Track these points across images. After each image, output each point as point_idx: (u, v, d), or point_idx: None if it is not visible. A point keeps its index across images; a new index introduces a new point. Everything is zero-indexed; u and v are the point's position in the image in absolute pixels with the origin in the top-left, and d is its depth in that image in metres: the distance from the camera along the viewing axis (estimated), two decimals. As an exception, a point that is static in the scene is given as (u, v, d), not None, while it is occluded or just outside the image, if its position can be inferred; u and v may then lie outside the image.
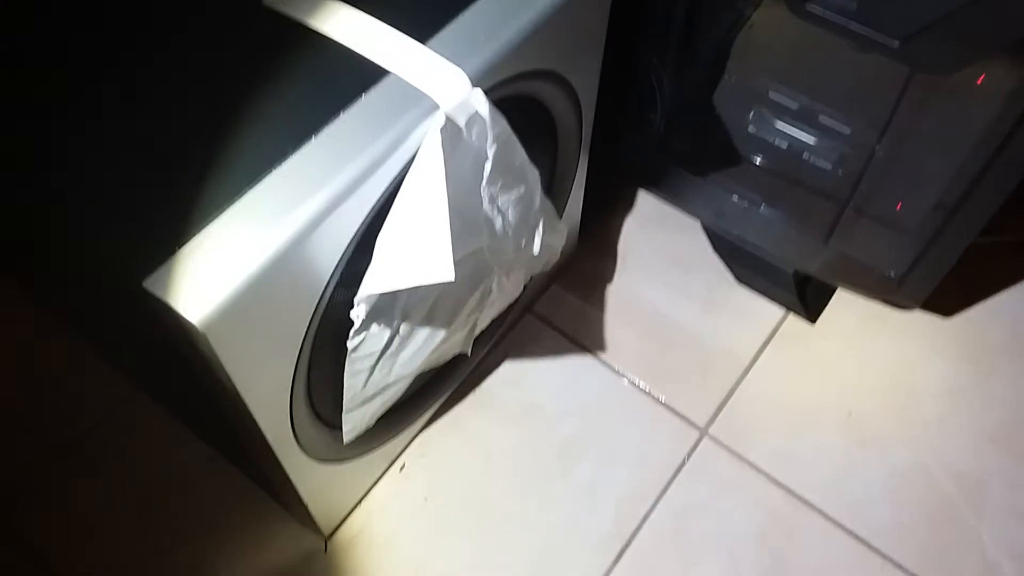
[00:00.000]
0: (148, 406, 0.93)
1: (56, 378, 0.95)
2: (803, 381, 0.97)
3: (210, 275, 0.51)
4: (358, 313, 0.61)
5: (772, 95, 0.88)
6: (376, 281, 0.59)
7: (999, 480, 0.90)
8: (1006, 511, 0.88)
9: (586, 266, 1.05)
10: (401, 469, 0.90)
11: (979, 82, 0.73)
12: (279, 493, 0.81)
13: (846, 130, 0.86)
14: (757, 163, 0.93)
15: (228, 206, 0.53)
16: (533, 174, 0.71)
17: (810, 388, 0.96)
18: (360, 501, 0.88)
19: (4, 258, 0.94)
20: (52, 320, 0.98)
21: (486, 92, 0.60)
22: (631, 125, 0.97)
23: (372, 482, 0.88)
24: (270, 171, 0.54)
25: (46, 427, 0.92)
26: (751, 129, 0.91)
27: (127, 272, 0.52)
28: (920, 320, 1.01)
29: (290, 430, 0.66)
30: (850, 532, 0.87)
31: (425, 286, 0.64)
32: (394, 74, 0.59)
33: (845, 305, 1.02)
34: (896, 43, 0.69)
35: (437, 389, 0.89)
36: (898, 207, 0.87)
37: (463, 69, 0.59)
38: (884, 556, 0.86)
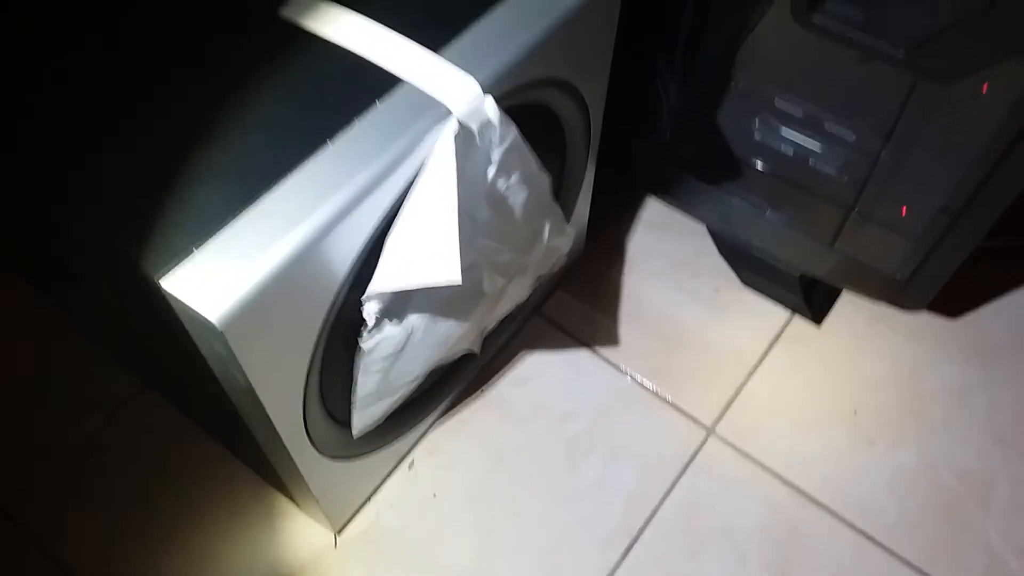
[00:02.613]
0: (159, 405, 0.95)
1: (67, 376, 0.97)
2: (809, 381, 0.98)
3: (227, 275, 0.52)
4: (369, 311, 0.62)
5: (778, 103, 0.89)
6: (384, 280, 0.60)
7: (1005, 478, 0.91)
8: (1012, 508, 0.89)
9: (593, 269, 1.06)
10: (410, 466, 0.91)
11: (983, 90, 0.73)
12: (290, 489, 0.83)
13: (851, 137, 0.86)
14: (763, 169, 0.94)
15: (245, 209, 0.55)
16: (543, 180, 0.72)
17: (816, 388, 0.97)
18: (370, 497, 0.89)
19: (17, 259, 0.96)
20: (64, 319, 1.00)
21: (497, 100, 0.62)
22: (638, 132, 0.98)
23: (382, 479, 0.90)
24: (287, 176, 0.56)
25: (57, 424, 0.94)
26: (757, 136, 0.92)
27: (144, 272, 0.53)
28: (926, 322, 1.02)
29: (303, 427, 0.68)
30: (856, 528, 0.88)
31: (435, 288, 0.66)
32: (408, 82, 0.60)
33: (851, 307, 1.03)
34: (901, 53, 0.70)
35: (445, 388, 0.90)
36: (903, 212, 0.88)
37: (475, 77, 0.61)
38: (890, 552, 0.87)
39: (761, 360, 0.99)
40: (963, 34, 0.66)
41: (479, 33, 0.63)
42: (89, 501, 0.89)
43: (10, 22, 0.67)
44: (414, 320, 0.68)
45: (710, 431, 0.94)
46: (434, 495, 0.90)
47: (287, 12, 0.64)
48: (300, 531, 0.88)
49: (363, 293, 0.62)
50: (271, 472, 0.80)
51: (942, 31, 0.66)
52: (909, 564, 0.86)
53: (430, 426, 0.93)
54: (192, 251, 0.53)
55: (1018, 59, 0.67)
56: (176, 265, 0.53)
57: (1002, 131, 0.72)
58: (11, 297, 1.02)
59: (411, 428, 0.88)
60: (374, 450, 0.83)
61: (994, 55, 0.67)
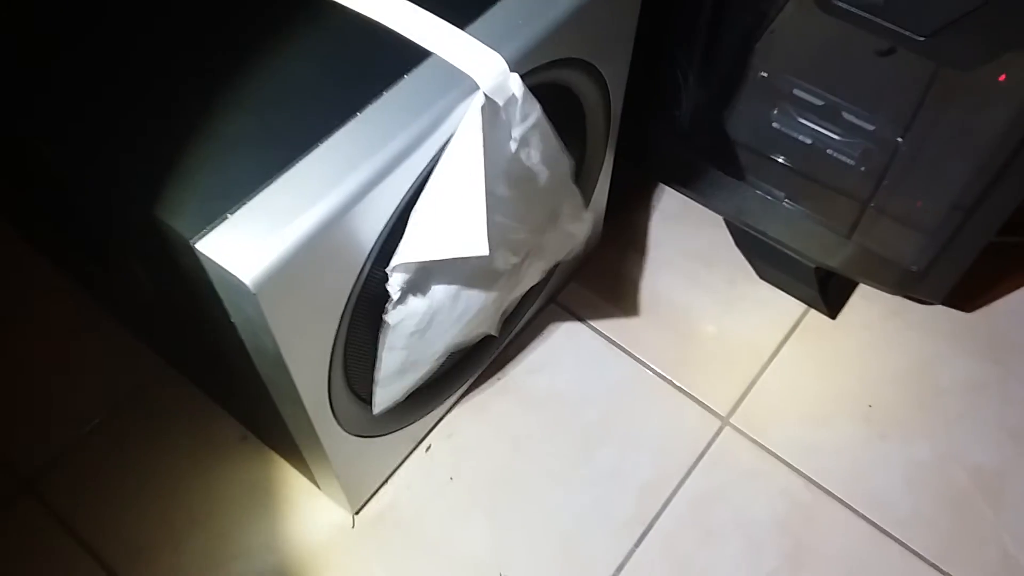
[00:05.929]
0: (181, 386, 0.96)
1: (91, 357, 0.98)
2: (824, 374, 0.98)
3: (261, 239, 0.53)
4: (394, 282, 0.63)
5: (797, 92, 0.89)
6: (411, 250, 0.61)
7: (1019, 473, 0.91)
8: (1025, 504, 0.90)
9: (609, 258, 1.07)
10: (427, 450, 0.92)
11: (1001, 79, 0.74)
12: (311, 467, 0.83)
13: (870, 126, 0.87)
14: (780, 159, 0.95)
15: (277, 176, 0.56)
16: (564, 161, 0.73)
17: (831, 381, 0.98)
18: (388, 479, 0.90)
19: (43, 239, 0.98)
20: (87, 300, 1.02)
21: (522, 77, 0.63)
22: (656, 120, 0.99)
23: (400, 461, 0.91)
24: (318, 144, 0.57)
25: (81, 404, 0.95)
26: (775, 125, 0.93)
27: (179, 236, 0.54)
28: (941, 316, 1.02)
29: (327, 400, 0.69)
30: (870, 521, 0.88)
31: (459, 262, 0.67)
32: (436, 55, 0.62)
33: (866, 301, 1.03)
34: (921, 38, 0.71)
35: (464, 371, 0.91)
36: (918, 204, 0.88)
37: (501, 54, 0.62)
38: (904, 545, 0.87)
39: (776, 352, 1.00)
40: (981, 21, 0.67)
41: (504, 11, 0.65)
42: (112, 479, 0.90)
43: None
44: (437, 295, 0.68)
45: (725, 421, 0.95)
46: (451, 478, 0.91)
47: (319, -13, 0.65)
48: (318, 511, 0.88)
49: (388, 265, 0.63)
50: (292, 450, 0.81)
51: (961, 17, 0.67)
52: (923, 558, 0.86)
53: (448, 410, 0.94)
54: (226, 216, 0.55)
55: (1036, 46, 0.68)
56: (211, 229, 0.54)
57: (1018, 123, 0.73)
58: (36, 279, 1.04)
59: (430, 410, 0.89)
60: (394, 429, 0.84)
61: (1010, 43, 0.68)
